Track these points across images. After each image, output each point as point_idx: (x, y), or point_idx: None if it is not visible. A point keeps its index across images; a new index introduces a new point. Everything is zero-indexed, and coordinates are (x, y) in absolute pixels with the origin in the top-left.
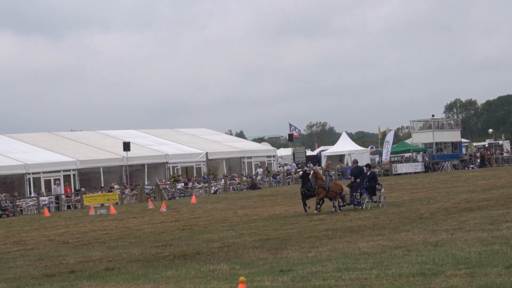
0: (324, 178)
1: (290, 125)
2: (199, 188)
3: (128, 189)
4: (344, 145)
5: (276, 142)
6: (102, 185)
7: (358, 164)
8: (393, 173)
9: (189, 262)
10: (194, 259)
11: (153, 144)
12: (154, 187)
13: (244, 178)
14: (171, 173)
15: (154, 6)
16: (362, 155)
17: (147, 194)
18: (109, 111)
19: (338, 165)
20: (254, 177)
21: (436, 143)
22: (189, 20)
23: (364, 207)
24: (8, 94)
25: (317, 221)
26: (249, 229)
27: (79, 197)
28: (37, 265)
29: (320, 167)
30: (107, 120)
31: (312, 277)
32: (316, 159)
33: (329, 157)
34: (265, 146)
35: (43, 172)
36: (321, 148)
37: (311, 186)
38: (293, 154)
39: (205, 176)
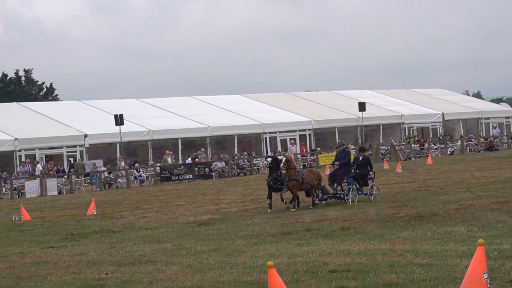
0: (296, 168)
1: None
2: (435, 149)
3: None
4: None
5: None
6: (337, 145)
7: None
8: None
9: (425, 223)
10: (430, 220)
11: (388, 105)
12: (389, 147)
13: (482, 139)
14: (407, 134)
15: None
16: None
17: (382, 154)
18: (345, 71)
19: None
20: (492, 138)
21: None
22: None
23: (350, 202)
24: (248, 55)
25: None
26: (487, 191)
27: (314, 157)
28: (274, 223)
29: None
30: (343, 80)
31: None
32: None
33: None
34: (504, 107)
35: (279, 132)
36: None
37: (279, 175)
38: None
39: (441, 137)
